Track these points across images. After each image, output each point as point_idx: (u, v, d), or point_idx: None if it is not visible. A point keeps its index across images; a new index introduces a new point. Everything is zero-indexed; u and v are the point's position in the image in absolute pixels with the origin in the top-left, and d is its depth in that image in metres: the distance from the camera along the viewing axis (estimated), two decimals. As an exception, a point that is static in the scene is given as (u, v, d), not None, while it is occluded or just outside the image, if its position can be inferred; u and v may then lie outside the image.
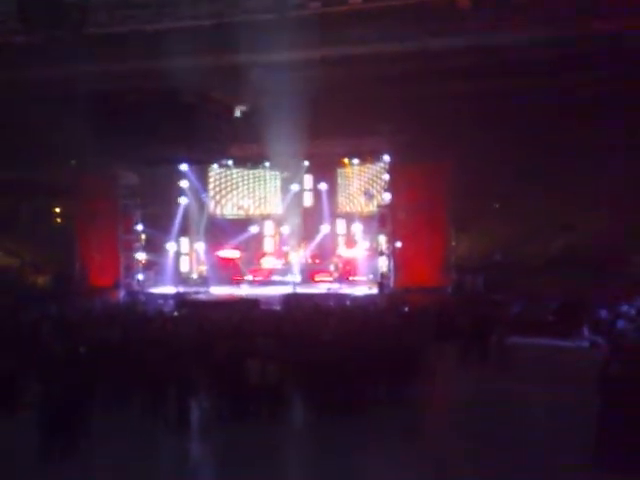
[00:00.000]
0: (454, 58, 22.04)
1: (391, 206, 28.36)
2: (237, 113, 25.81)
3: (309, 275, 31.45)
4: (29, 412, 12.42)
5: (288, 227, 33.22)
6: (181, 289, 29.61)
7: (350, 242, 32.90)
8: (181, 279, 31.40)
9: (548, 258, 27.78)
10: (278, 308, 24.58)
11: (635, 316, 20.34)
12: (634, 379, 10.66)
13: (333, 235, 33.14)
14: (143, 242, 30.61)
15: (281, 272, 31.96)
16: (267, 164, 33.09)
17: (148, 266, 30.92)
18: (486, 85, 24.50)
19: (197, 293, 28.69)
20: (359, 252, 31.86)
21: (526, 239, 29.78)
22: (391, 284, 27.76)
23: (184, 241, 32.40)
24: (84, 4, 17.94)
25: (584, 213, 29.00)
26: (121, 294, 28.76)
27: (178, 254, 32.09)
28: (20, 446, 11.51)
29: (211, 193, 32.79)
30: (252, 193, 33.54)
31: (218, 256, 32.69)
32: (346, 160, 32.00)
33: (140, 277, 30.17)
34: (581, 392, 13.45)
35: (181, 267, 32.36)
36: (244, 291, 29.42)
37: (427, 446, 11.65)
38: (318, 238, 32.36)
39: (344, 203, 32.88)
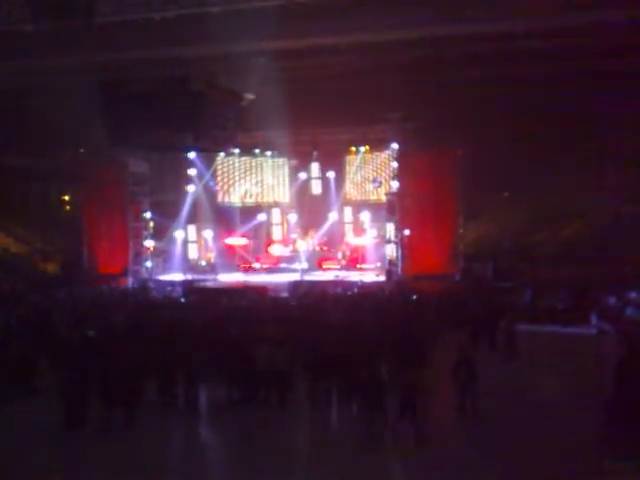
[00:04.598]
0: (464, 45, 21.94)
1: (399, 194, 28.29)
2: (244, 101, 25.75)
3: (317, 262, 31.47)
4: (44, 395, 12.69)
5: (296, 215, 33.25)
6: (189, 276, 29.69)
7: (358, 230, 32.90)
8: (189, 266, 31.47)
9: (557, 246, 27.75)
10: (286, 295, 24.65)
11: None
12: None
13: (341, 223, 33.15)
14: (151, 229, 30.66)
15: (289, 259, 32.02)
16: (275, 152, 33.09)
17: (156, 253, 30.99)
18: (495, 73, 24.42)
19: (205, 280, 28.78)
20: (367, 240, 31.87)
21: (535, 227, 29.78)
22: (399, 271, 27.75)
23: (192, 228, 32.42)
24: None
25: (593, 202, 28.96)
26: (129, 281, 28.87)
27: (186, 241, 32.13)
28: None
29: (219, 181, 32.79)
30: (260, 181, 33.54)
31: (226, 243, 32.77)
32: (354, 148, 31.93)
33: (148, 264, 30.24)
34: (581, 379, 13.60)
35: (189, 254, 32.41)
36: (252, 278, 29.47)
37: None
38: (326, 226, 32.35)
39: (352, 191, 32.85)
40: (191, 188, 31.38)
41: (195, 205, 31.89)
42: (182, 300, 23.59)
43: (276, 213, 34.27)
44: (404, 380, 11.43)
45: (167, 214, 31.12)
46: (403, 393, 11.30)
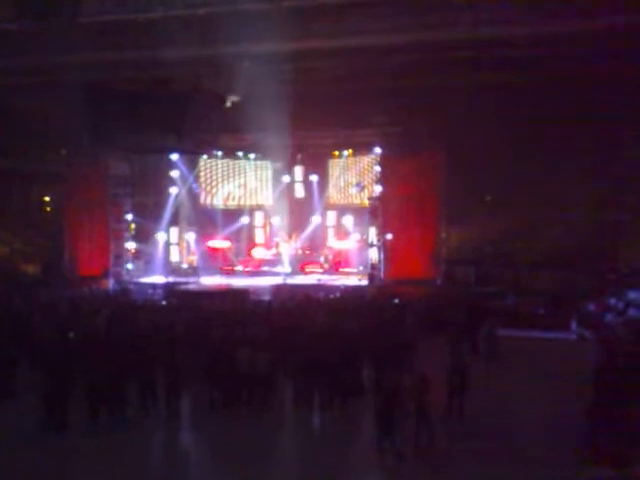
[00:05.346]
0: (448, 51, 22.04)
1: (382, 198, 28.38)
2: (228, 103, 25.72)
3: (299, 266, 31.48)
4: (24, 397, 12.60)
5: (279, 218, 33.22)
6: (171, 279, 29.56)
7: (341, 234, 32.94)
8: (171, 269, 31.28)
9: (539, 251, 27.89)
10: (268, 298, 24.60)
11: (623, 309, 20.50)
12: (622, 371, 10.76)
13: (324, 227, 33.17)
14: (133, 231, 30.50)
15: (271, 263, 31.99)
16: (258, 155, 33.03)
17: (138, 255, 30.83)
18: (479, 78, 24.54)
19: (187, 283, 28.66)
20: (350, 244, 31.90)
21: (517, 232, 29.87)
22: (381, 275, 27.82)
23: (174, 231, 32.21)
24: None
25: (575, 208, 29.11)
26: (110, 283, 28.68)
27: (168, 244, 31.92)
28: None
29: (201, 183, 32.65)
30: (243, 184, 33.46)
31: (208, 246, 32.65)
32: (337, 152, 31.96)
33: (129, 266, 30.09)
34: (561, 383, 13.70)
35: (171, 257, 32.16)
36: (234, 281, 29.39)
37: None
38: (309, 229, 32.39)
39: (335, 195, 32.88)
40: (173, 190, 31.21)
41: (177, 207, 31.72)
42: (163, 303, 23.48)
43: (259, 216, 34.22)
44: (386, 383, 11.45)
45: (149, 216, 30.94)
46: (386, 396, 11.31)
